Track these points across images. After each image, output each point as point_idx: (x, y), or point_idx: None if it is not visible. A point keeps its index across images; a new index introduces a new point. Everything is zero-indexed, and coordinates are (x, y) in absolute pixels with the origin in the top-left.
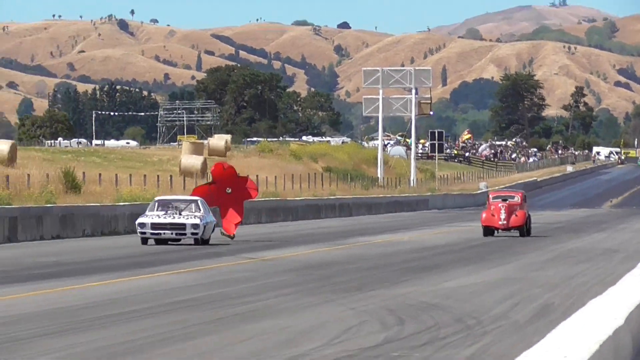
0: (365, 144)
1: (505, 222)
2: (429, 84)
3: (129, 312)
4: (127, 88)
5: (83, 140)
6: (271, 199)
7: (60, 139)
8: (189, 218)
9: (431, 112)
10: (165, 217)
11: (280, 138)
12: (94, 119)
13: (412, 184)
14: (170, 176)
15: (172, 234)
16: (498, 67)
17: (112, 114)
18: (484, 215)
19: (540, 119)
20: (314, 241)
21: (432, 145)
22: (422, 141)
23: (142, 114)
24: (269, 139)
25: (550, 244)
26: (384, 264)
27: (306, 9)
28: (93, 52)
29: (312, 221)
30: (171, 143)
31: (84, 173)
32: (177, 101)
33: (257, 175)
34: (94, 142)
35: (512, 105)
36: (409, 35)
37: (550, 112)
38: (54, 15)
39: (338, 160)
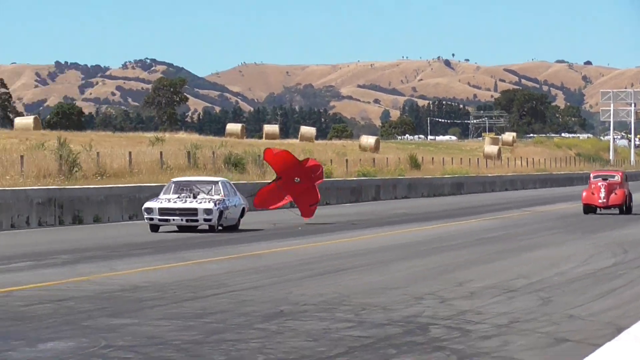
0: (602, 138)
1: (604, 200)
2: None
3: (449, 245)
4: (450, 103)
5: (422, 136)
6: (542, 173)
7: (407, 135)
8: (202, 202)
9: None
10: (176, 202)
11: (547, 135)
12: (428, 122)
13: (632, 163)
14: (477, 159)
15: (182, 220)
16: None
17: (439, 120)
18: (584, 194)
19: None
20: (567, 200)
21: None
22: (638, 136)
23: (459, 121)
24: (540, 135)
25: None
26: (611, 215)
27: (563, 51)
28: (428, 80)
29: (568, 187)
30: (478, 138)
31: (422, 157)
32: (481, 111)
33: (532, 159)
34: (429, 137)
35: None
36: (630, 69)
37: None
38: (402, 56)
39: (584, 149)
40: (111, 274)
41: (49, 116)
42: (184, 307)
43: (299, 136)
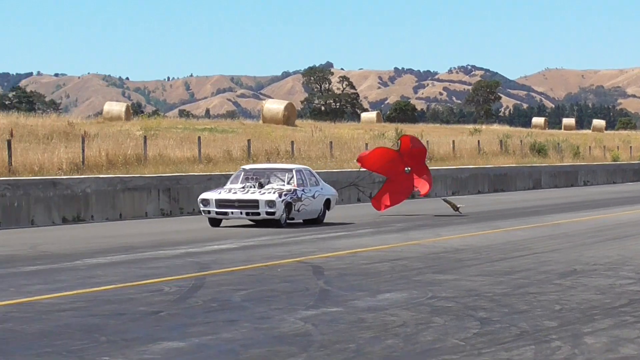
0: None
1: None
2: None
3: None
4: None
5: None
6: None
7: None
8: (266, 193)
9: None
10: (236, 192)
11: None
12: None
13: None
14: None
15: (241, 213)
16: None
17: None
18: None
19: None
20: None
21: None
22: None
23: None
24: None
25: None
26: None
27: None
28: None
29: None
30: None
31: None
32: None
33: None
34: None
35: None
36: None
37: None
38: None
39: None
40: (436, 239)
41: (388, 112)
42: (495, 265)
43: (592, 127)
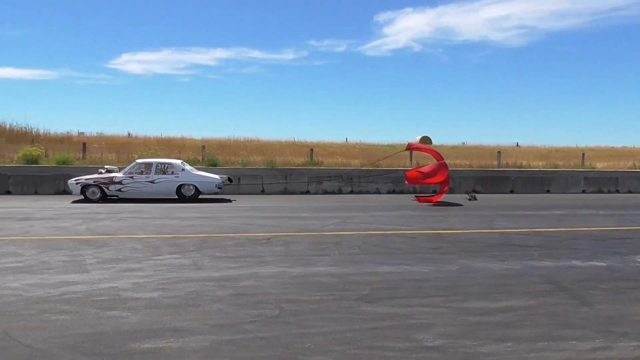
0: None
1: None
2: None
3: None
4: None
5: None
6: None
7: None
8: (83, 178)
9: None
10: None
11: None
12: None
13: None
14: None
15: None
16: None
17: None
18: None
19: None
20: None
21: None
22: None
23: None
24: None
25: None
26: None
27: None
28: None
29: None
30: None
31: None
32: None
33: None
34: None
35: None
36: None
37: None
38: None
39: None
40: None
41: None
42: None
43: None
